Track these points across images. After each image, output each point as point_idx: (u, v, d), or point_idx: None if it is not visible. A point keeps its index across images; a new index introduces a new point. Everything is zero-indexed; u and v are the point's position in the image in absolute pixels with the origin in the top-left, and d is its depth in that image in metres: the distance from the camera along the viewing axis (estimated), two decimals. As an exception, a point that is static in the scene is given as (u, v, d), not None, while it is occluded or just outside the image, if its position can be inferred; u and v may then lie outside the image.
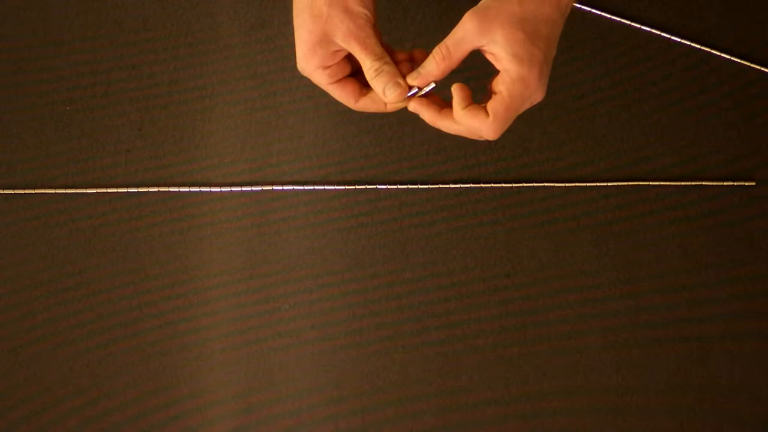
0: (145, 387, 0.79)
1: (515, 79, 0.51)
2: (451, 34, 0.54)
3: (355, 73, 0.58)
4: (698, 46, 0.84)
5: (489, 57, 0.53)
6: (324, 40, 0.54)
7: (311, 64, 0.55)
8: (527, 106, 0.54)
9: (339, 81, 0.57)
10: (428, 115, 0.56)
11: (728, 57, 0.83)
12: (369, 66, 0.54)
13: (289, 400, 0.79)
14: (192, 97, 0.83)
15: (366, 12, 0.54)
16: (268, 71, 0.83)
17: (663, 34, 0.84)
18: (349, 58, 0.57)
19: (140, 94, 0.83)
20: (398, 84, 0.55)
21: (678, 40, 0.84)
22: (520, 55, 0.51)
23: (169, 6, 0.84)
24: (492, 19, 0.51)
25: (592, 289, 0.80)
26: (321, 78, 0.56)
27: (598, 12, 0.84)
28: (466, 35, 0.52)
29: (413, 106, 0.57)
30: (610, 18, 0.83)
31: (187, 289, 0.80)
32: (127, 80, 0.83)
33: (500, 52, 0.51)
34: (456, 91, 0.54)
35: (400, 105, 0.57)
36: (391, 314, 0.80)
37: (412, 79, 0.56)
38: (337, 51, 0.55)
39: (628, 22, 0.84)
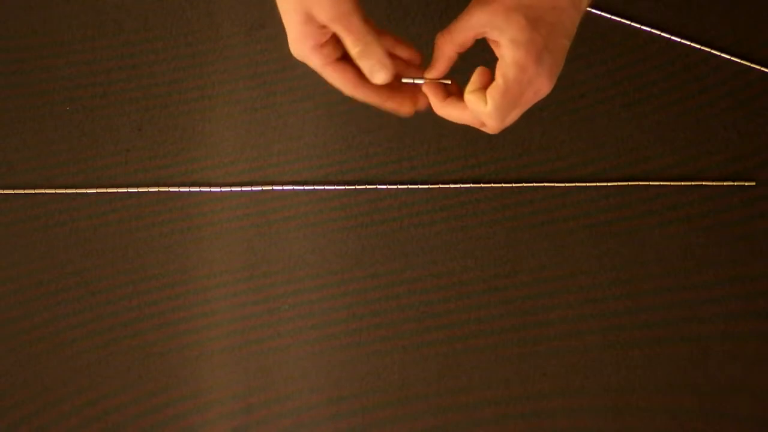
0: (145, 387, 0.79)
1: (510, 63, 0.50)
2: (455, 20, 0.53)
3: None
4: (698, 46, 0.84)
5: (492, 44, 0.53)
6: (311, 17, 0.51)
7: (307, 45, 0.52)
8: (530, 95, 0.52)
9: (334, 64, 0.53)
10: (434, 100, 0.55)
11: (728, 57, 0.83)
12: (351, 46, 0.52)
13: (289, 400, 0.79)
14: (192, 97, 0.83)
15: None
16: (268, 71, 0.83)
17: (663, 34, 0.84)
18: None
19: (140, 94, 0.82)
20: (384, 65, 0.53)
21: (678, 40, 0.84)
22: (517, 39, 0.50)
23: (169, 6, 0.84)
24: (495, 4, 0.51)
25: (592, 289, 0.80)
26: (317, 60, 0.53)
27: (598, 12, 0.83)
28: (468, 20, 0.52)
29: (425, 90, 0.56)
30: (610, 18, 0.83)
31: (187, 289, 0.80)
32: (127, 80, 0.83)
33: (500, 38, 0.51)
34: (475, 73, 0.53)
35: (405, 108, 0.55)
36: (391, 314, 0.80)
37: (428, 73, 0.55)
38: (325, 27, 0.52)
39: (628, 22, 0.84)
